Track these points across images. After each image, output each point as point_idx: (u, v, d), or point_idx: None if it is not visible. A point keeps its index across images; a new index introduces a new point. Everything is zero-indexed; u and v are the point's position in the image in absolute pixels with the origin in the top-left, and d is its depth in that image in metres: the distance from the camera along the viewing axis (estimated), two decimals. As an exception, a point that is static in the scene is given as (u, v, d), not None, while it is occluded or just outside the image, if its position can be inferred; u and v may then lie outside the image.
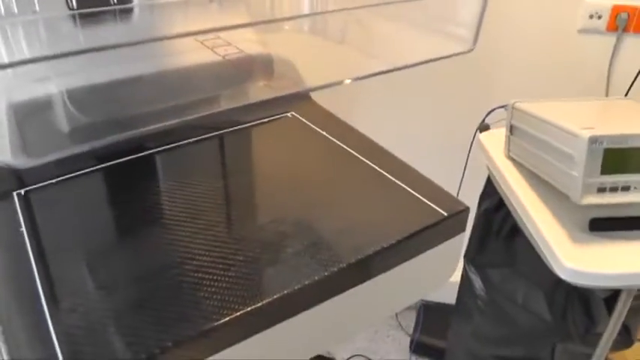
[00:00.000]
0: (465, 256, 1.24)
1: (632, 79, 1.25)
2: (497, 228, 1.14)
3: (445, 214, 0.47)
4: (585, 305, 1.02)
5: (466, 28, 0.40)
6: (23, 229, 0.43)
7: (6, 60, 0.46)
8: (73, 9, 0.47)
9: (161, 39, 0.37)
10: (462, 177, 1.24)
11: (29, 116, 0.26)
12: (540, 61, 1.36)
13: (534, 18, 1.32)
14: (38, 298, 0.37)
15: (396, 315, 1.78)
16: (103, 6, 0.51)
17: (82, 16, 0.51)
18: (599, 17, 1.28)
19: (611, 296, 0.96)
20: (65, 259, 0.41)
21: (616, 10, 1.26)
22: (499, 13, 1.31)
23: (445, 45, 0.44)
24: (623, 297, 0.90)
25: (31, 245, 0.41)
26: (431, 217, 0.46)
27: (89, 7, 0.49)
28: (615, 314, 0.92)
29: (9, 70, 0.47)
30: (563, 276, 0.80)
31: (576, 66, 1.34)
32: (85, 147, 0.28)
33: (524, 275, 1.10)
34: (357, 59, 0.49)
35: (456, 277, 1.33)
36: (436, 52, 0.43)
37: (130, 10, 0.54)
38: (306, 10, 0.62)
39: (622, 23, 1.25)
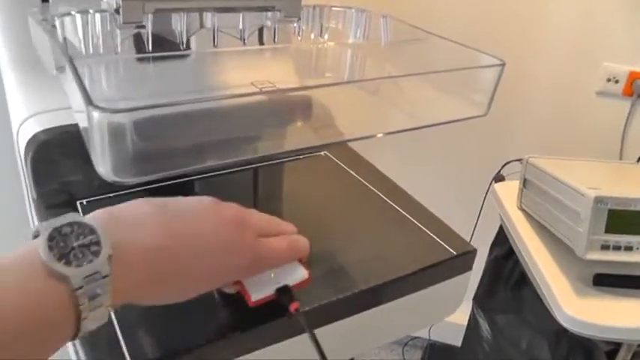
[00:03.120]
0: (474, 300, 1.28)
1: (646, 143, 1.30)
2: (506, 275, 1.18)
3: (454, 253, 0.53)
4: (587, 357, 1.05)
5: (483, 95, 0.48)
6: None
7: (89, 90, 0.54)
8: (148, 52, 0.56)
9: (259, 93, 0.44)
10: (476, 224, 1.29)
11: (122, 138, 0.33)
12: (559, 119, 1.42)
13: (555, 77, 1.39)
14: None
15: (403, 353, 1.81)
16: (171, 49, 0.59)
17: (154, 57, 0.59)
18: (617, 82, 1.34)
19: (614, 350, 1.00)
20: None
21: (633, 76, 1.32)
22: (523, 70, 1.38)
23: (463, 107, 0.50)
24: (622, 351, 0.93)
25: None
26: (441, 255, 0.52)
27: (159, 51, 0.58)
28: (614, 367, 0.95)
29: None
30: (564, 323, 0.85)
31: (592, 127, 1.39)
32: (168, 173, 0.35)
33: (530, 323, 1.14)
34: (388, 112, 0.55)
35: (464, 320, 1.37)
36: (456, 112, 0.50)
37: (192, 53, 0.62)
38: (348, 60, 0.70)
39: (638, 89, 1.31)
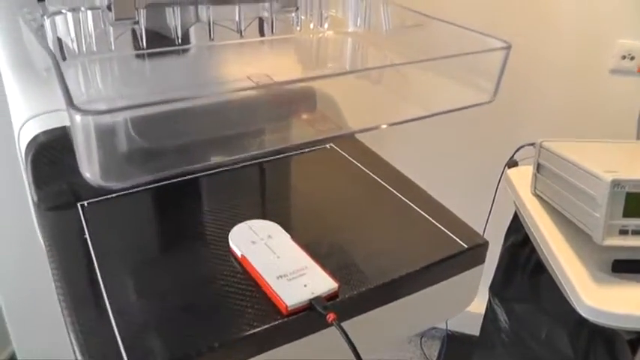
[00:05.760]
0: (490, 289, 1.26)
1: (664, 122, 1.26)
2: (522, 263, 1.15)
3: (465, 246, 0.51)
4: (609, 346, 1.02)
5: (489, 81, 0.45)
6: (87, 236, 0.50)
7: (84, 90, 0.53)
8: (143, 48, 0.54)
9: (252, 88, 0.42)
10: (490, 211, 1.27)
11: (109, 140, 0.31)
12: (572, 100, 1.38)
13: (567, 57, 1.35)
14: (102, 295, 0.43)
15: (421, 344, 1.79)
16: (167, 45, 0.57)
17: (149, 53, 0.57)
18: (632, 58, 1.30)
19: (637, 338, 0.97)
20: (122, 264, 0.48)
21: (649, 53, 1.28)
22: (533, 50, 1.35)
23: (470, 93, 0.48)
24: (645, 339, 0.91)
25: (94, 250, 0.48)
26: (452, 249, 0.51)
27: (156, 47, 0.56)
28: (638, 356, 0.93)
29: (84, 95, 0.54)
30: (584, 314, 0.82)
31: (607, 106, 1.35)
32: (159, 175, 0.34)
33: (549, 312, 1.11)
34: (393, 101, 0.53)
35: (481, 309, 1.34)
36: (462, 99, 0.47)
37: (189, 48, 0.61)
38: (349, 49, 0.68)
39: (654, 66, 1.27)
